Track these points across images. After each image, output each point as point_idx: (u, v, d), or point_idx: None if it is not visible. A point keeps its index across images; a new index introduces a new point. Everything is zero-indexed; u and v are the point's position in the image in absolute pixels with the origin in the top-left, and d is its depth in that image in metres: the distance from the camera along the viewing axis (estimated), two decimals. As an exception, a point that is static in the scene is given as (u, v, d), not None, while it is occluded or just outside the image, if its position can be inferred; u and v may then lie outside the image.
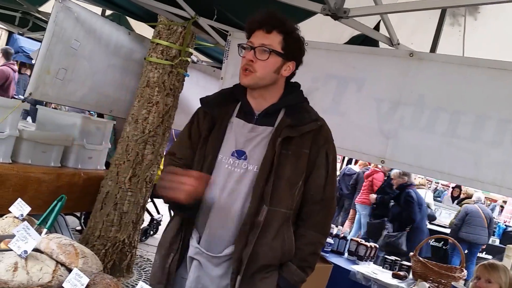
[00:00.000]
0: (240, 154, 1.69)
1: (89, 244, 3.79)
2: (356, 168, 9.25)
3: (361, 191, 7.65)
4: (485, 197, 9.42)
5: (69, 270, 1.47)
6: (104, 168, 4.21)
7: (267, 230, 1.63)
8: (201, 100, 1.83)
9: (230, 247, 1.65)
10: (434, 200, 10.06)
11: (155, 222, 5.63)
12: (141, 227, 4.61)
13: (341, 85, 3.00)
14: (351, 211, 8.39)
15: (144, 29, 4.43)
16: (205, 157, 1.73)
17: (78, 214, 5.00)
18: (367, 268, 3.61)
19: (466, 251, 7.53)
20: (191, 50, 4.00)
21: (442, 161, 2.62)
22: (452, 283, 3.32)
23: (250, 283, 1.63)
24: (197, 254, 1.69)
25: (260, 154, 1.66)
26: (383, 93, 2.85)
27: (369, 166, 8.45)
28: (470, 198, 8.15)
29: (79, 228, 4.98)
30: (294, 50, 1.71)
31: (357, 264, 3.76)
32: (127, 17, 4.73)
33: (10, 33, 8.77)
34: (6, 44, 9.12)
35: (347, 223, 8.43)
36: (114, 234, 3.84)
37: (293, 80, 1.84)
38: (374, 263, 3.93)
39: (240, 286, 1.62)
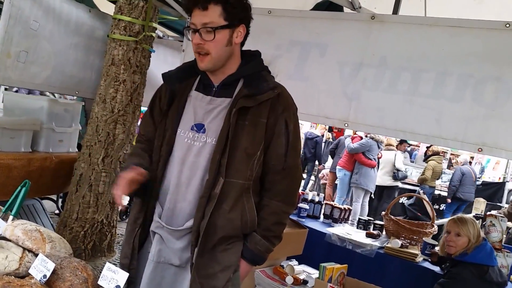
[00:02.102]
0: (199, 127, 1.69)
1: (67, 227, 3.80)
2: (317, 131, 9.59)
3: (343, 156, 7.79)
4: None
5: (38, 256, 1.48)
6: (76, 150, 4.18)
7: (224, 202, 1.63)
8: (163, 75, 1.80)
9: (191, 220, 1.66)
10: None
11: (134, 200, 5.63)
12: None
13: (304, 51, 2.99)
14: (330, 175, 8.54)
15: (109, 7, 4.31)
16: (165, 132, 1.73)
17: (54, 198, 4.97)
18: (342, 230, 3.70)
19: (456, 208, 7.94)
20: (155, 24, 3.92)
21: (404, 120, 2.66)
22: (424, 238, 3.45)
23: (212, 255, 1.65)
24: (157, 228, 1.71)
25: (218, 126, 1.66)
26: (345, 57, 2.86)
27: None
28: (437, 154, 8.45)
29: (57, 211, 4.97)
30: (237, 13, 1.65)
31: (332, 226, 3.86)
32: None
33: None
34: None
35: (327, 188, 8.59)
36: (92, 215, 3.85)
37: (255, 48, 1.80)
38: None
39: (200, 257, 1.64)
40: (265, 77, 1.74)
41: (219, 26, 1.61)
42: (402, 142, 8.77)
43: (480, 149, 2.49)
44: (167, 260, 1.69)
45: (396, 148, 8.34)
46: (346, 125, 2.84)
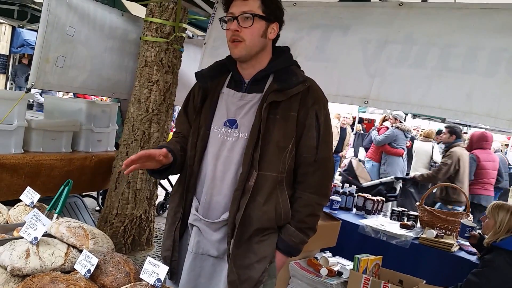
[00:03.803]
0: (231, 123, 1.74)
1: (108, 223, 3.97)
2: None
3: (371, 147, 7.71)
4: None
5: (81, 252, 1.56)
6: (114, 149, 4.33)
7: (258, 194, 1.68)
8: (196, 74, 1.87)
9: (227, 212, 1.72)
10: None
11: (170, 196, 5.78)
12: (157, 202, 4.77)
13: (326, 32, 2.95)
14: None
15: (140, 10, 4.43)
16: (199, 128, 1.80)
17: (95, 195, 5.17)
18: (375, 221, 3.67)
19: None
20: (185, 25, 4.01)
21: (432, 95, 2.56)
22: (462, 221, 3.36)
23: (248, 246, 1.70)
24: (195, 220, 1.77)
25: (250, 121, 1.70)
26: (369, 34, 2.80)
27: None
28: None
29: (98, 208, 5.17)
30: (274, 10, 1.72)
31: (366, 218, 3.84)
32: (121, -1, 4.74)
33: (14, 28, 8.81)
34: (11, 39, 9.16)
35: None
36: (131, 211, 4.00)
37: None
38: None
39: (236, 248, 1.69)
40: (295, 71, 1.77)
41: (258, 14, 1.68)
42: (439, 133, 8.51)
43: (514, 126, 2.37)
44: (205, 251, 1.75)
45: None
46: (366, 102, 2.77)
